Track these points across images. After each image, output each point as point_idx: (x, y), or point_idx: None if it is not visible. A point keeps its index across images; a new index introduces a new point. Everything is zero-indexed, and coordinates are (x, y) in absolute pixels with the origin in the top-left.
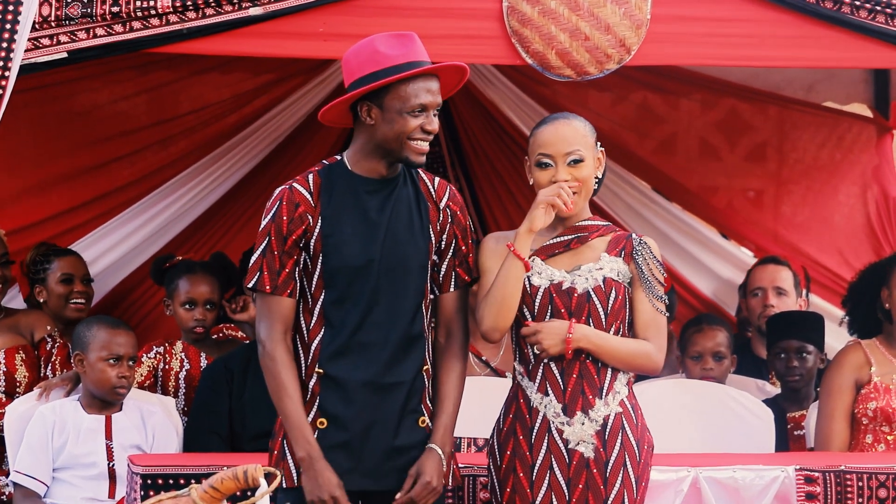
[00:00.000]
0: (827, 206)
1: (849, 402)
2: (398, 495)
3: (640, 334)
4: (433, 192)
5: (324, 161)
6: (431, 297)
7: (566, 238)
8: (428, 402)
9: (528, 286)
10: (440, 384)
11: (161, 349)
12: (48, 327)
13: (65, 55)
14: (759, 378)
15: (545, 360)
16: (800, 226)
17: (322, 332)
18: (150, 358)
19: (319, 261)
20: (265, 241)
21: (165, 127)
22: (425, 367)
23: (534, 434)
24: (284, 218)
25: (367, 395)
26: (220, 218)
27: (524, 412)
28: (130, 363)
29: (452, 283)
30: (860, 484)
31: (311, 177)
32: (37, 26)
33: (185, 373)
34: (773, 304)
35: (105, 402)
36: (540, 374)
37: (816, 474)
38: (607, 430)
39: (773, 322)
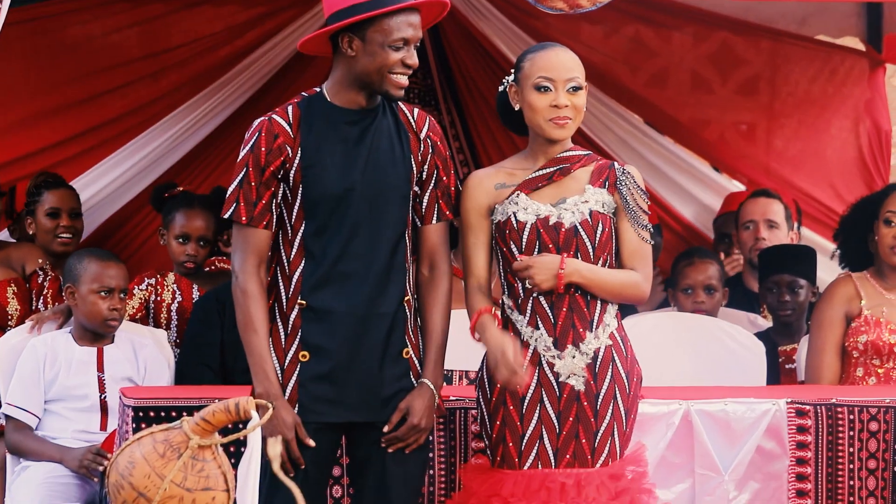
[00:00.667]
0: (819, 139)
1: (839, 335)
2: (385, 428)
3: (627, 264)
4: (413, 123)
5: (303, 93)
6: (413, 228)
7: (549, 170)
8: (410, 333)
9: (514, 222)
10: (427, 317)
11: (153, 281)
12: (39, 260)
13: None
14: (750, 311)
15: (535, 295)
16: (792, 159)
17: (303, 264)
18: (141, 290)
19: (299, 191)
20: (242, 172)
21: (157, 60)
22: (407, 299)
23: (524, 367)
24: (263, 149)
25: (350, 327)
26: (213, 150)
27: None
28: (122, 295)
29: (435, 214)
30: (851, 417)
31: (290, 108)
32: None
33: (177, 305)
34: (764, 237)
35: (97, 334)
36: (530, 308)
37: (808, 407)
38: (598, 362)
39: (766, 256)
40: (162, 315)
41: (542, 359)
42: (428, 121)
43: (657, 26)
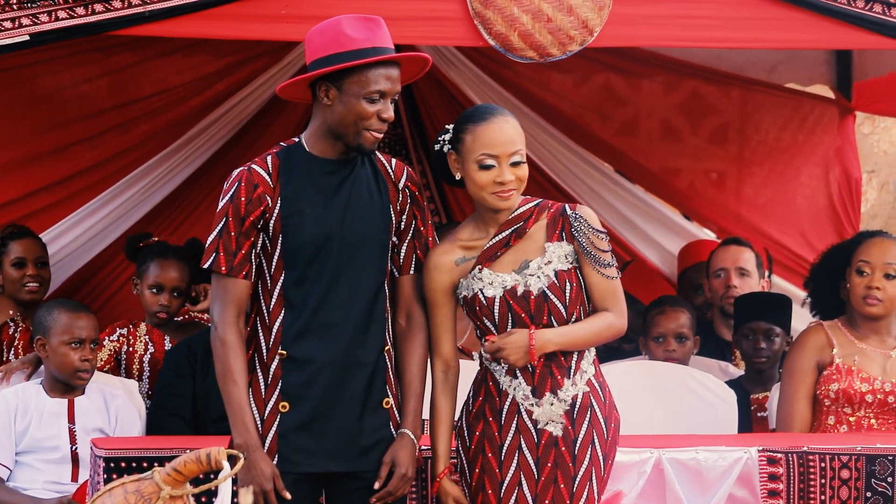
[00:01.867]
0: (789, 187)
1: (810, 383)
2: (375, 485)
3: (599, 306)
4: (391, 173)
5: (281, 143)
6: (391, 278)
7: (504, 235)
8: (391, 383)
9: (483, 298)
10: (404, 367)
11: (125, 331)
12: (10, 311)
13: (27, 38)
14: (721, 359)
15: None
16: (762, 207)
17: (283, 314)
18: (111, 341)
19: (279, 241)
20: (222, 222)
21: (128, 110)
22: (387, 348)
23: (503, 415)
24: (242, 199)
25: (330, 376)
26: (185, 200)
27: (493, 394)
28: (92, 346)
29: (413, 265)
30: (822, 465)
31: (269, 158)
32: None
33: (149, 356)
34: (735, 285)
35: (67, 385)
36: None
37: (779, 455)
38: (576, 409)
39: (742, 302)
40: (134, 366)
41: (521, 407)
42: (406, 171)
43: (627, 75)
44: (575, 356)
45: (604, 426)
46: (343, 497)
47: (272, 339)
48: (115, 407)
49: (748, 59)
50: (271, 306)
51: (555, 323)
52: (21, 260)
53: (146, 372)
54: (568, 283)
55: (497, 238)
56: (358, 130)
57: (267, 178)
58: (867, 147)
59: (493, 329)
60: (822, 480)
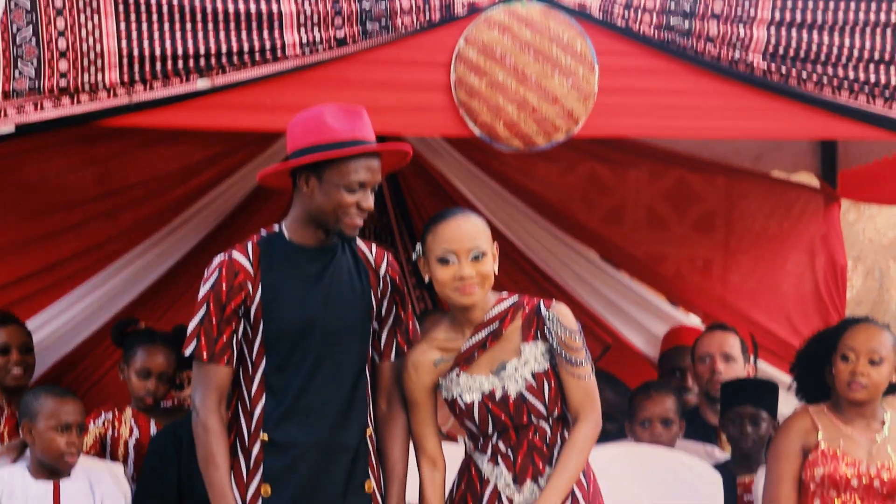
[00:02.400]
0: (775, 274)
1: (796, 467)
2: None
3: (571, 409)
4: (372, 260)
5: (262, 230)
6: (371, 364)
7: (481, 337)
8: (374, 466)
9: (462, 405)
10: (387, 452)
11: (110, 416)
12: None
13: (12, 128)
14: (707, 443)
15: (493, 440)
16: (748, 294)
17: (264, 399)
18: (96, 426)
19: (260, 328)
20: (203, 309)
21: (113, 198)
22: (369, 432)
23: (484, 502)
24: (224, 286)
25: (313, 460)
26: (170, 288)
27: (475, 481)
28: (78, 431)
29: (393, 351)
30: None
31: (249, 245)
32: None
33: (134, 440)
34: (720, 371)
35: (53, 469)
36: (490, 449)
37: None
38: None
39: (729, 387)
40: (119, 450)
41: (502, 494)
42: (386, 257)
43: (613, 164)
44: (557, 446)
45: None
46: None
47: (254, 424)
48: (101, 490)
49: (733, 148)
50: (253, 392)
51: (534, 421)
52: (5, 346)
53: (131, 456)
54: (546, 384)
55: (473, 340)
56: (338, 218)
57: (248, 265)
58: (852, 234)
59: (474, 429)
60: None
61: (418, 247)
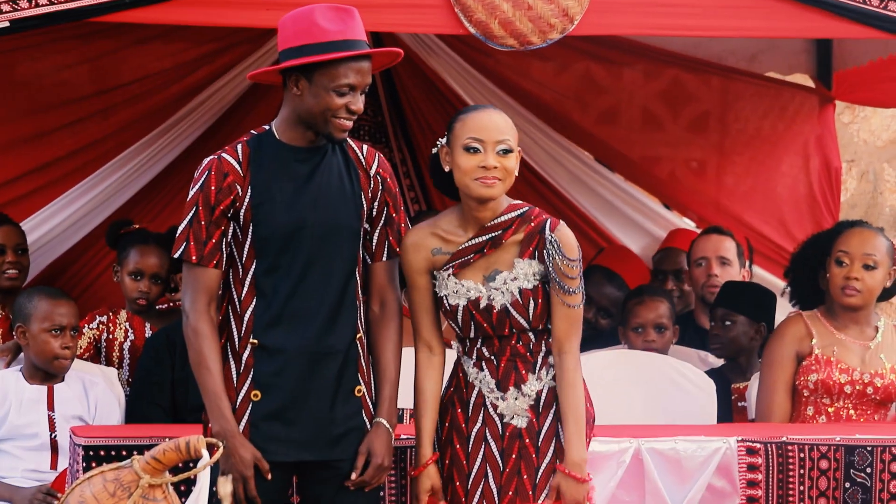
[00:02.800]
0: (769, 176)
1: (790, 373)
2: (353, 475)
3: (557, 340)
4: (363, 160)
5: (252, 131)
6: (363, 265)
7: (480, 241)
8: (363, 371)
9: (447, 305)
10: (379, 355)
11: (104, 318)
12: None
13: (7, 24)
14: (701, 348)
15: (478, 344)
16: (742, 196)
17: (254, 302)
18: (91, 329)
19: (250, 230)
20: (192, 211)
21: (108, 96)
22: (359, 336)
23: (470, 407)
24: (213, 188)
25: (302, 365)
26: (165, 188)
27: (462, 384)
28: (72, 333)
29: (385, 252)
30: (801, 455)
31: (239, 147)
32: None
33: (129, 343)
34: (716, 274)
35: (47, 372)
36: (475, 353)
37: (758, 446)
38: (541, 403)
39: (725, 289)
40: (114, 353)
41: (486, 399)
42: (377, 158)
43: (608, 63)
44: (542, 353)
45: None
46: (315, 486)
47: (244, 328)
48: (95, 395)
49: (728, 48)
50: (243, 295)
51: (516, 334)
52: (1, 247)
53: (126, 359)
54: (532, 301)
55: (472, 242)
56: (326, 120)
57: (237, 166)
58: (847, 136)
59: (457, 330)
60: (801, 471)
61: (440, 141)
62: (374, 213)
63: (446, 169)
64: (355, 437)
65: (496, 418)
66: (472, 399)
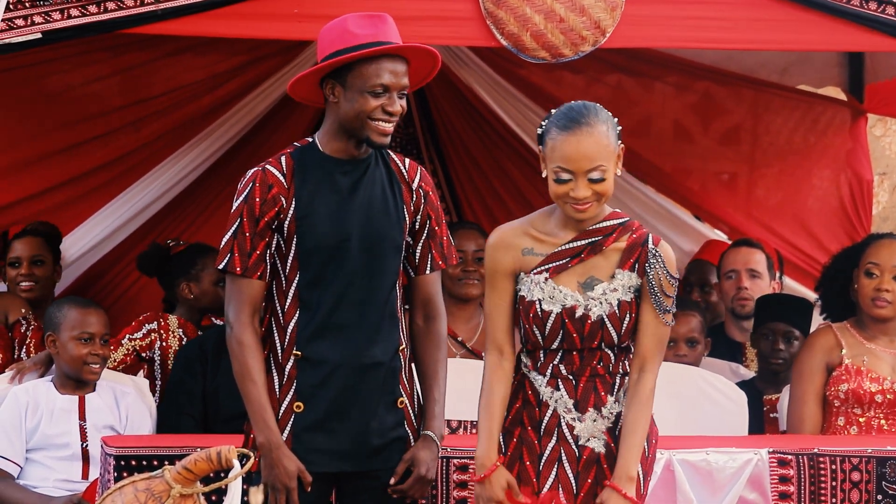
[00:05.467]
0: (800, 189)
1: (820, 384)
2: (392, 481)
3: (641, 357)
4: (405, 173)
5: (295, 143)
6: (406, 278)
7: (579, 244)
8: (405, 383)
9: (539, 310)
10: (425, 368)
11: (154, 325)
12: (23, 310)
13: (39, 36)
14: (732, 360)
15: (555, 360)
16: (773, 209)
17: (297, 315)
18: (131, 340)
19: (294, 242)
20: (237, 223)
21: (139, 108)
22: (402, 348)
23: (542, 426)
24: (257, 199)
25: (345, 377)
26: (195, 200)
27: (532, 403)
28: (103, 341)
29: (428, 265)
30: (833, 467)
31: (283, 158)
32: (11, 6)
33: None
34: (746, 287)
35: (78, 382)
36: (550, 370)
37: (790, 457)
38: (618, 426)
39: (763, 303)
40: (169, 360)
41: (562, 420)
42: (419, 171)
43: (639, 76)
44: (619, 375)
45: (645, 443)
46: (354, 496)
47: (287, 340)
48: (126, 404)
49: (760, 61)
50: (286, 307)
51: (604, 348)
52: (16, 259)
53: None
54: (628, 315)
55: (570, 245)
56: (364, 124)
57: (281, 178)
58: (879, 149)
59: (539, 340)
60: (833, 483)
61: (543, 124)
62: (417, 227)
63: (543, 175)
64: (397, 449)
65: (571, 441)
66: (546, 419)
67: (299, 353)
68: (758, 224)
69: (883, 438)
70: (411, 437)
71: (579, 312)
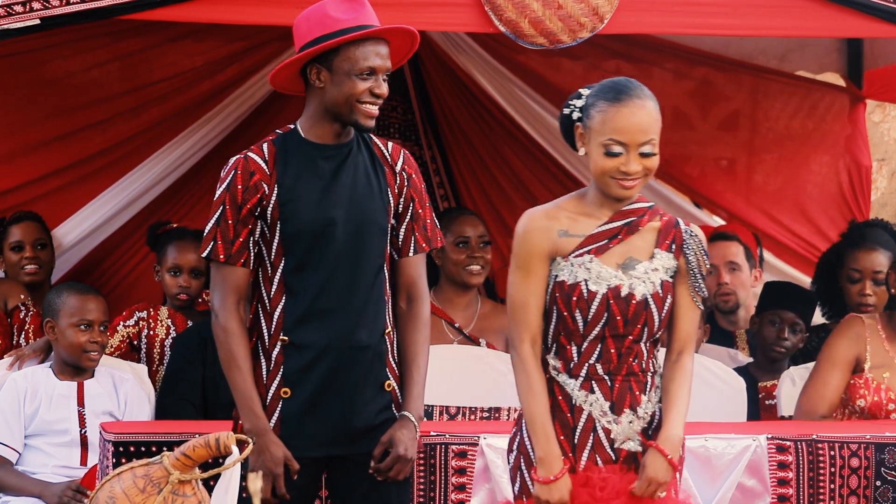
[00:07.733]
0: (799, 175)
1: (847, 376)
2: (372, 464)
3: (679, 341)
4: (388, 156)
5: (277, 130)
6: (390, 261)
7: (616, 225)
8: (392, 366)
9: (584, 291)
10: (406, 350)
11: (144, 314)
12: (21, 296)
13: (37, 22)
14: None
15: (590, 361)
16: (772, 195)
17: (283, 301)
18: (126, 327)
19: (277, 228)
20: (219, 210)
21: (138, 94)
22: (388, 331)
23: (577, 433)
24: (239, 187)
25: (332, 361)
26: (194, 186)
27: (564, 409)
28: (101, 328)
29: (412, 247)
30: (832, 453)
31: (265, 145)
32: None
33: (170, 340)
34: (727, 282)
35: (77, 368)
36: (584, 371)
37: (788, 443)
38: (652, 426)
39: (772, 288)
40: (155, 349)
41: (597, 424)
42: (402, 154)
43: (637, 62)
44: (651, 373)
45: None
46: (344, 479)
47: (273, 326)
48: (125, 391)
49: (758, 47)
50: (272, 293)
51: (645, 333)
52: (18, 243)
53: (167, 356)
54: (669, 296)
55: (608, 226)
56: (352, 108)
57: (263, 165)
58: (877, 135)
59: (580, 325)
60: (832, 469)
61: (574, 104)
62: (401, 210)
63: (580, 152)
64: (385, 431)
65: (606, 444)
66: (581, 424)
67: (286, 338)
68: (756, 210)
69: (882, 424)
70: None
71: (624, 292)
